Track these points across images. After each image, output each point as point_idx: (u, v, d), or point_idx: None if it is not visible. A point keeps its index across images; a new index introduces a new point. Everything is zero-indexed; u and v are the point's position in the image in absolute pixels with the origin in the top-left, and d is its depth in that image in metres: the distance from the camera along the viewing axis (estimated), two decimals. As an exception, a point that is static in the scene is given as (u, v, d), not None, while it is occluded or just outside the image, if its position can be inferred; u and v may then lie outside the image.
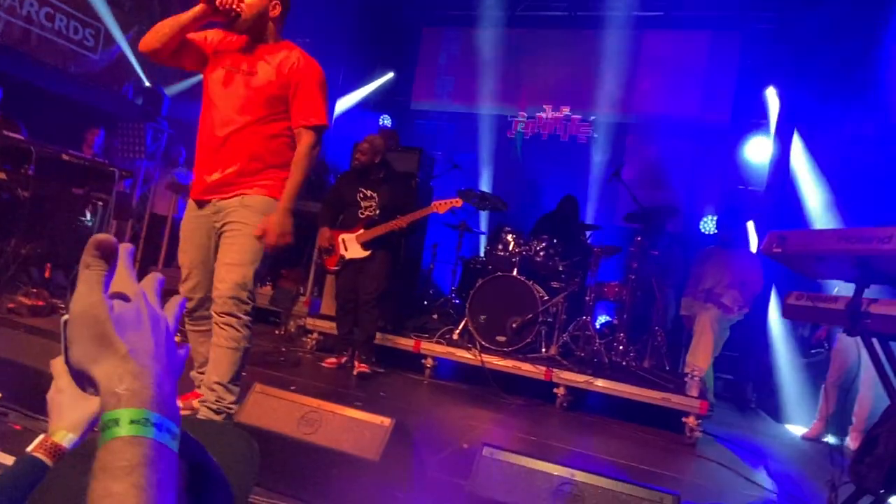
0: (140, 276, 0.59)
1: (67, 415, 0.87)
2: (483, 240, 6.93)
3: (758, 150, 6.70)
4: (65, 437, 0.86)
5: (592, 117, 7.56)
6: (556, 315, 4.62)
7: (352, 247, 4.21)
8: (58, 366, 0.84)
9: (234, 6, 2.28)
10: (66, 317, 0.52)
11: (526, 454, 1.90)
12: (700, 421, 3.77)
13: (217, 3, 2.25)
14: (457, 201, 4.24)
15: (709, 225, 6.53)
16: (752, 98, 6.71)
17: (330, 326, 4.65)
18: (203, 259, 2.50)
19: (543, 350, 4.52)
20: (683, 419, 3.79)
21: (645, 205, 5.21)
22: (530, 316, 4.43)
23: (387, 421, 2.02)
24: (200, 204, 2.49)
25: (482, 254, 5.49)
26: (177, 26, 2.29)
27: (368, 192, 4.24)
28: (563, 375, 4.17)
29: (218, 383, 2.36)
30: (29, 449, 0.86)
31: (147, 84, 7.50)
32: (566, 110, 7.74)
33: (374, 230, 4.13)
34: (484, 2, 7.71)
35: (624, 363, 4.78)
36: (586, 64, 7.49)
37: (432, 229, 6.04)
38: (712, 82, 7.05)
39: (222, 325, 2.34)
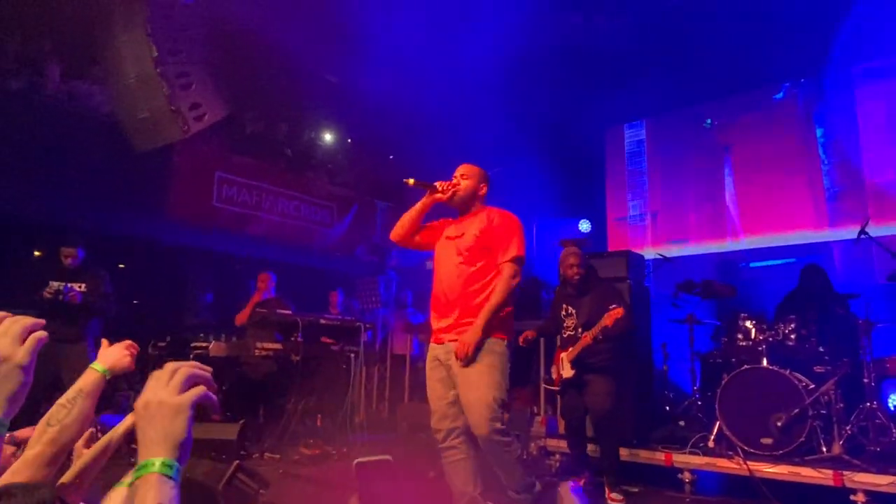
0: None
1: None
2: (716, 331, 6.34)
3: None
4: None
5: (814, 172, 6.81)
6: (830, 405, 3.96)
7: (565, 366, 4.15)
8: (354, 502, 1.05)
9: (452, 188, 2.93)
10: (358, 461, 0.73)
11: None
12: None
13: (439, 187, 2.90)
14: (618, 311, 3.77)
15: None
16: None
17: (566, 446, 4.52)
18: (441, 393, 2.86)
19: (824, 449, 3.86)
20: None
21: (912, 258, 4.40)
22: (797, 410, 3.86)
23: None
24: (435, 345, 2.94)
25: (721, 347, 5.03)
26: (414, 215, 3.00)
27: (570, 309, 4.21)
28: (859, 478, 3.48)
29: (512, 491, 2.72)
30: None
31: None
32: (779, 175, 7.10)
33: (573, 350, 4.03)
34: (664, 89, 7.71)
35: (940, 454, 3.85)
36: (789, 122, 6.93)
37: (657, 327, 5.73)
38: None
39: (489, 449, 2.68)
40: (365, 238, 8.62)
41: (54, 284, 4.70)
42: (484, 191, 3.03)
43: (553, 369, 4.31)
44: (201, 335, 5.73)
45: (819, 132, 6.86)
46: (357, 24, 7.59)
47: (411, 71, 8.79)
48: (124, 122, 4.35)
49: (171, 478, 0.82)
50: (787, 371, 4.03)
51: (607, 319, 3.81)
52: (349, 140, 9.57)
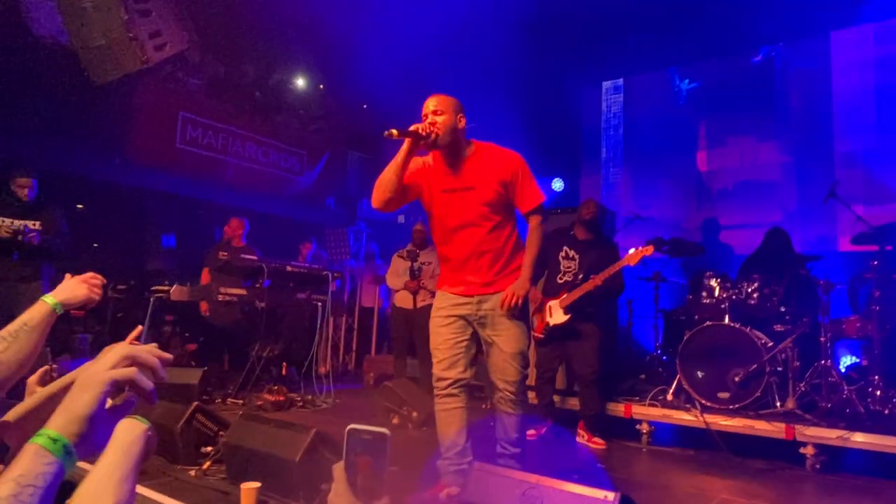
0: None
1: None
2: (681, 290, 6.45)
3: None
4: None
5: (788, 139, 6.86)
6: (787, 363, 4.06)
7: (556, 312, 4.11)
8: (338, 470, 0.96)
9: (432, 130, 2.54)
10: (351, 426, 0.63)
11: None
12: None
13: (420, 131, 2.50)
14: (647, 249, 3.91)
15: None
16: None
17: (533, 397, 4.59)
18: (455, 340, 2.74)
19: (778, 404, 3.98)
20: None
21: (875, 222, 4.48)
22: (755, 366, 3.95)
23: (611, 495, 1.89)
24: (458, 296, 2.75)
25: (685, 304, 5.10)
26: (395, 170, 2.55)
27: (571, 252, 4.18)
28: (810, 432, 3.60)
29: (507, 443, 2.76)
30: None
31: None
32: (752, 138, 7.14)
33: (575, 292, 4.03)
34: (643, 49, 7.61)
35: (886, 411, 4.00)
36: (765, 87, 6.93)
37: (625, 284, 5.79)
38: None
39: (509, 396, 2.72)
40: (336, 188, 8.44)
41: (10, 222, 4.48)
42: (463, 123, 2.65)
43: (536, 317, 4.23)
44: (166, 282, 5.58)
45: (793, 97, 6.88)
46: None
47: (388, 19, 8.50)
48: (79, 51, 4.06)
49: (53, 454, 0.73)
50: (748, 328, 4.10)
51: (632, 258, 3.84)
52: (321, 86, 9.27)
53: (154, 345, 0.91)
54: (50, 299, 1.55)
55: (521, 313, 2.73)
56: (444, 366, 2.72)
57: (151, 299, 5.05)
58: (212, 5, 6.56)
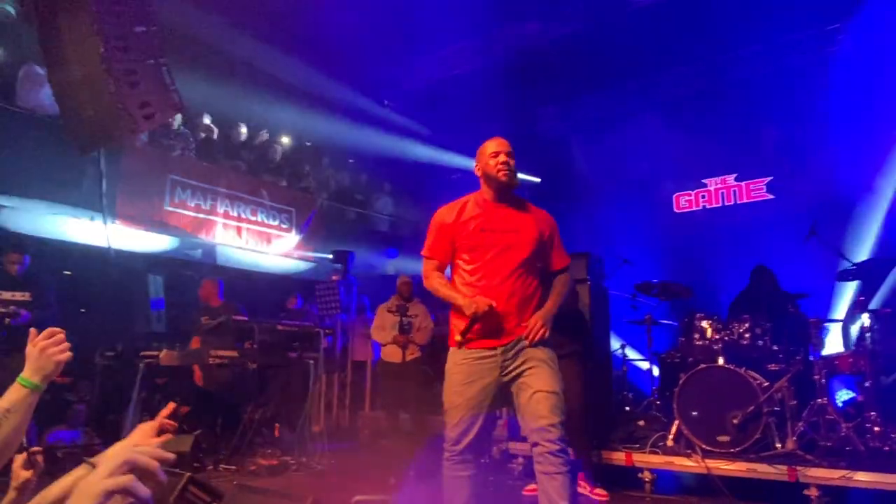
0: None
1: None
2: (673, 332, 6.46)
3: None
4: None
5: (767, 178, 7.04)
6: (784, 402, 4.06)
7: None
8: None
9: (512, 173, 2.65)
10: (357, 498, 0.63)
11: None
12: None
13: (480, 312, 2.49)
14: None
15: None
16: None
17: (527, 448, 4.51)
18: (478, 402, 2.56)
19: (778, 445, 3.95)
20: None
21: (857, 259, 4.57)
22: (752, 408, 3.94)
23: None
24: (481, 350, 2.58)
25: (678, 346, 5.11)
26: (449, 300, 2.64)
27: None
28: (812, 473, 3.57)
29: None
30: None
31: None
32: (731, 178, 7.31)
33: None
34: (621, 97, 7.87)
35: (886, 448, 3.97)
36: (745, 124, 7.15)
37: (616, 328, 5.80)
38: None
39: (553, 446, 2.43)
40: (325, 243, 8.45)
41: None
42: None
43: None
44: (154, 344, 5.49)
45: (771, 137, 7.09)
46: (319, 29, 7.53)
47: (371, 76, 8.77)
48: (68, 122, 4.13)
49: None
50: (743, 369, 4.11)
51: None
52: (308, 143, 9.43)
53: (155, 448, 0.90)
54: (26, 381, 1.51)
55: (550, 349, 2.61)
56: (460, 429, 2.53)
57: (141, 365, 4.97)
58: (200, 68, 6.72)
